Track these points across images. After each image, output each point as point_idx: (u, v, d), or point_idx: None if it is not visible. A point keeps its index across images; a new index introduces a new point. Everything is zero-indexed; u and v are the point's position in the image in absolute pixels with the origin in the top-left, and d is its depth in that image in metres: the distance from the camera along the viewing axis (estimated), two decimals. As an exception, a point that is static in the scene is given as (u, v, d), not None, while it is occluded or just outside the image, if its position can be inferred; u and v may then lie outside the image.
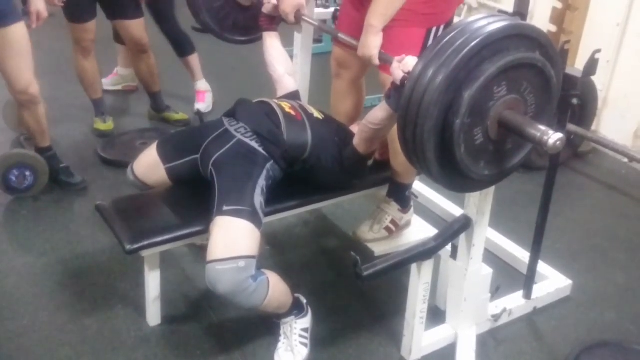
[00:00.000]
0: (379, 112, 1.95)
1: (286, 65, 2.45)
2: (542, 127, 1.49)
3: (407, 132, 1.53)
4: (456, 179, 1.63)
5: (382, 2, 2.05)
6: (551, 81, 1.58)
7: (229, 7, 2.65)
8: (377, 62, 2.10)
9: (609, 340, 2.21)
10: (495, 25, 1.46)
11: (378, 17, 2.05)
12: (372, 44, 2.07)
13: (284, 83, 2.40)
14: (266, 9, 2.42)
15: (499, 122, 1.55)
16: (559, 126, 2.07)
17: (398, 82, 1.78)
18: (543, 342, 2.24)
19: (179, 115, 3.75)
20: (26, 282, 2.37)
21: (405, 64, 1.76)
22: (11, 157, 2.84)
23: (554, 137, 1.46)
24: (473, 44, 1.43)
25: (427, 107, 1.46)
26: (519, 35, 1.49)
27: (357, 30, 2.13)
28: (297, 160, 2.09)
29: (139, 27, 3.39)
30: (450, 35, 1.47)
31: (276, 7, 2.40)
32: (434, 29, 2.16)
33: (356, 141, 2.08)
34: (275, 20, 2.47)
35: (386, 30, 2.20)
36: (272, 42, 2.46)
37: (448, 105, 1.47)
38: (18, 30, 2.51)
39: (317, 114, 2.22)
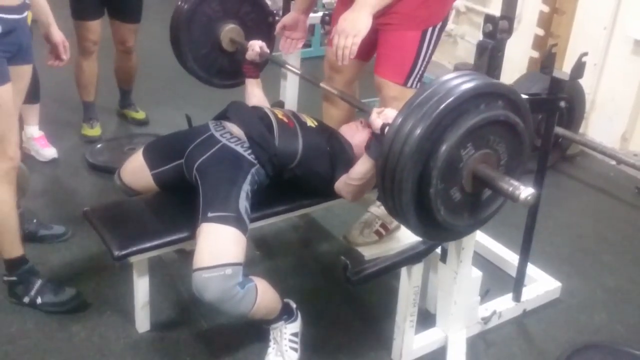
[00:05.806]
0: (360, 166, 1.95)
1: None
2: (514, 182, 1.51)
3: (387, 181, 1.53)
4: (438, 233, 1.66)
5: None
6: (519, 131, 1.59)
7: (215, 54, 2.69)
8: (358, 41, 1.94)
9: (599, 342, 2.22)
10: (464, 85, 1.47)
11: None
12: (362, 22, 1.92)
13: None
14: (249, 55, 2.44)
15: (473, 176, 1.56)
16: (546, 129, 2.08)
17: (378, 131, 1.77)
18: (533, 344, 2.24)
19: (138, 114, 3.76)
20: (13, 290, 2.34)
21: (385, 115, 1.77)
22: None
23: (525, 192, 1.48)
24: (448, 101, 1.44)
25: (407, 156, 1.46)
26: (479, 94, 1.49)
27: None
28: (285, 168, 2.08)
29: (131, 31, 3.46)
30: (428, 91, 1.48)
31: (259, 54, 2.42)
32: (429, 30, 2.16)
33: (342, 193, 2.06)
34: (259, 67, 2.50)
35: (381, 34, 2.19)
36: (252, 90, 2.49)
37: (427, 155, 1.48)
38: (28, 73, 2.14)
39: (310, 122, 2.21)
